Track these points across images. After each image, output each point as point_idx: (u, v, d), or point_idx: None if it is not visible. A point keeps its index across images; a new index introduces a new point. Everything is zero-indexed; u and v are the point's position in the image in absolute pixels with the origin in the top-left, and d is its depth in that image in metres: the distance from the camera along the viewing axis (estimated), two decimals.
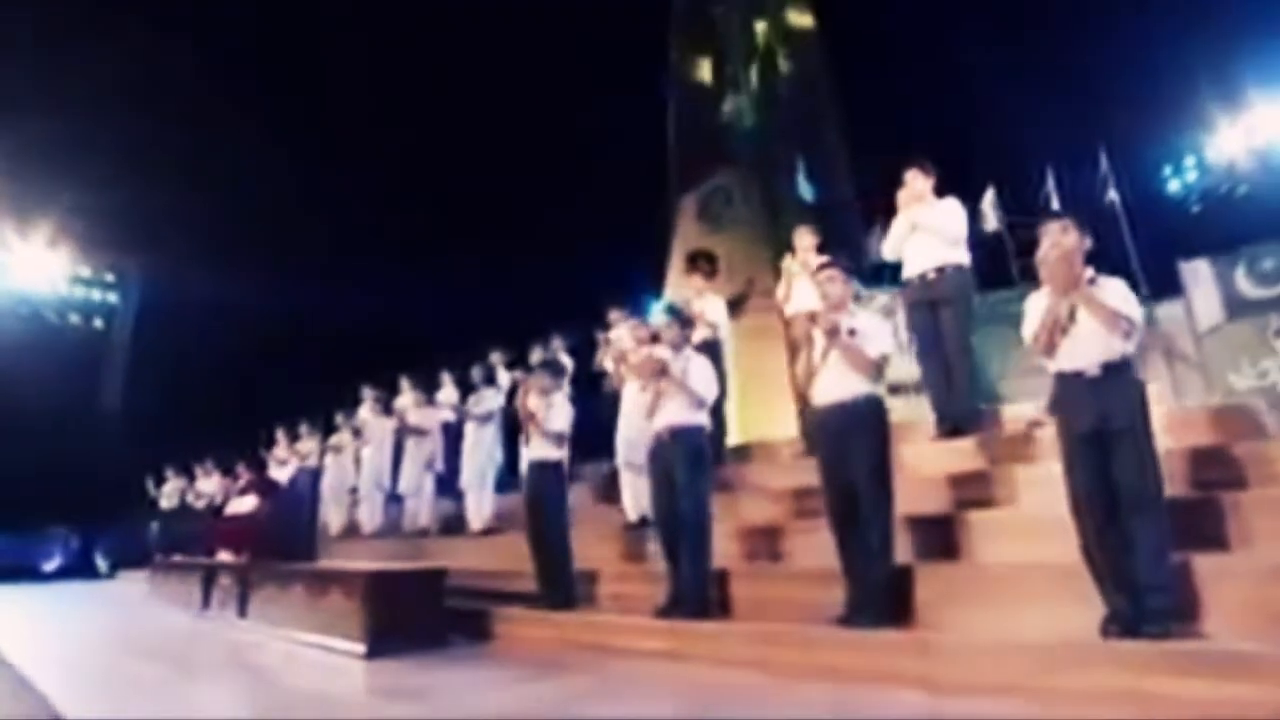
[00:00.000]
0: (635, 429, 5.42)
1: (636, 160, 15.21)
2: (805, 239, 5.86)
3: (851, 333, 3.45)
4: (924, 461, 4.51)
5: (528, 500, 4.74)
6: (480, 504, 6.83)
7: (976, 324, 5.10)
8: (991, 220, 13.03)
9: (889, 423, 3.44)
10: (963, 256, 4.88)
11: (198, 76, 17.76)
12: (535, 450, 4.72)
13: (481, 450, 6.91)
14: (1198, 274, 10.57)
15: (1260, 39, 12.90)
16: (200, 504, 9.52)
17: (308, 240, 17.33)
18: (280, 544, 5.99)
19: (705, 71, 14.33)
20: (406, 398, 8.96)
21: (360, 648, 4.19)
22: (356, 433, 8.23)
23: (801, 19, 14.54)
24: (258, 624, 5.38)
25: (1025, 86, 15.14)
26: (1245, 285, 8.64)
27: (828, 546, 4.07)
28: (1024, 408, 4.85)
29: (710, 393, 4.12)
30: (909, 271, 4.97)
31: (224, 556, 6.20)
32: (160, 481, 10.58)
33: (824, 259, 3.75)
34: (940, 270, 4.82)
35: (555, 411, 4.76)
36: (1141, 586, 2.51)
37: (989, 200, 13.54)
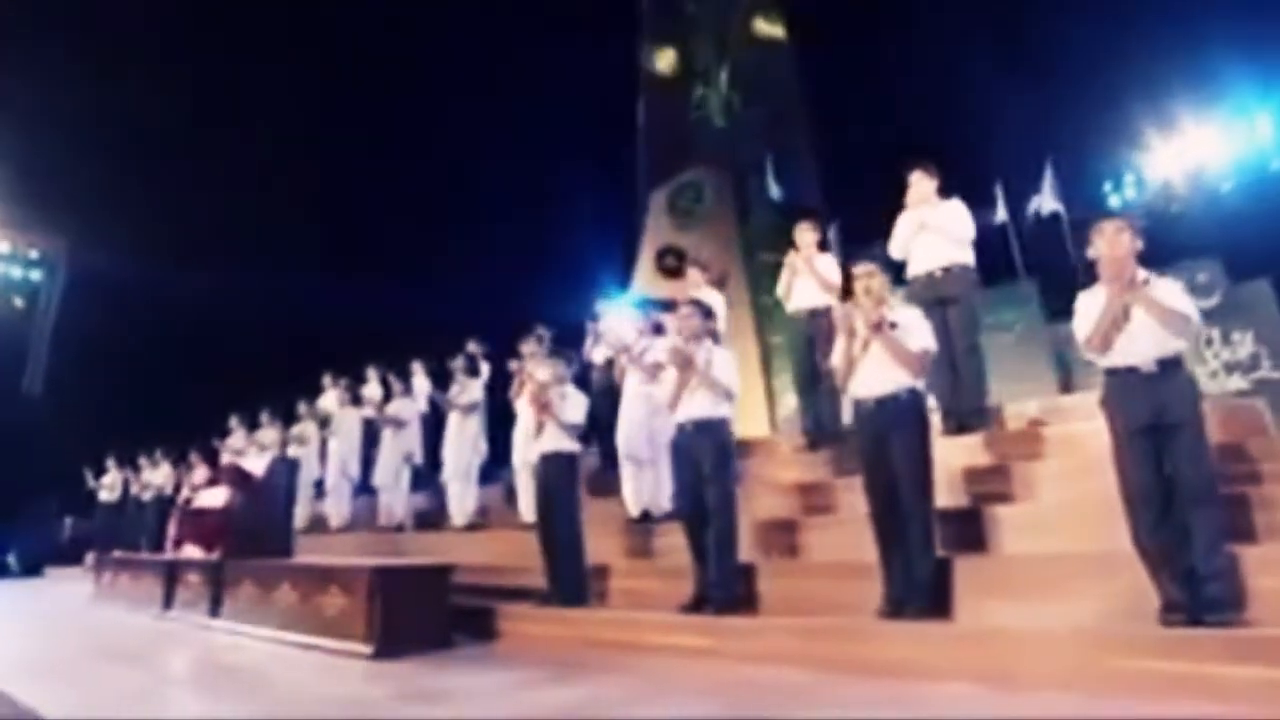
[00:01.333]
0: (637, 423, 5.36)
1: (603, 152, 15.12)
2: (807, 235, 5.87)
3: (893, 326, 3.47)
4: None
5: (539, 493, 4.59)
6: (464, 497, 6.61)
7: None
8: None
9: (929, 417, 3.47)
10: (969, 256, 4.99)
11: (133, 47, 16.59)
12: (548, 442, 4.58)
13: (465, 442, 6.68)
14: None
15: (1190, 66, 13.76)
16: (147, 495, 8.90)
17: (254, 222, 16.44)
18: (255, 539, 5.64)
19: (675, 69, 14.36)
20: (374, 387, 8.65)
21: (365, 648, 3.97)
22: (324, 422, 7.84)
23: (772, 27, 14.69)
24: (235, 624, 5.04)
25: (978, 102, 15.71)
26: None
27: (844, 541, 4.14)
28: (1026, 406, 5.01)
29: (735, 384, 4.07)
30: (915, 270, 5.05)
31: (190, 552, 5.78)
32: (100, 472, 9.82)
33: (866, 262, 3.70)
34: (947, 269, 4.91)
35: (569, 402, 4.63)
36: (1199, 576, 2.59)
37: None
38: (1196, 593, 2.59)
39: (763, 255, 11.86)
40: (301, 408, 8.72)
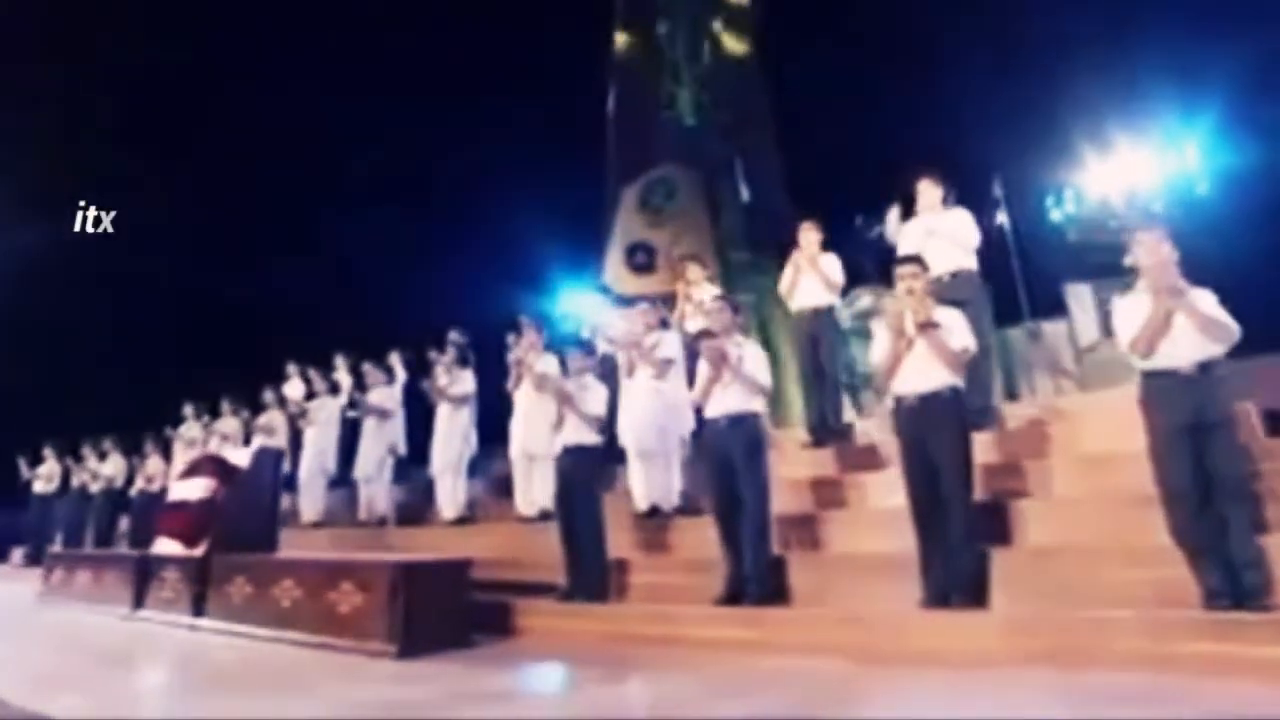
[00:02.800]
0: (648, 418, 5.33)
1: (572, 145, 14.98)
2: (811, 234, 5.99)
3: (935, 326, 3.59)
4: None
5: (559, 486, 4.53)
6: (455, 491, 6.44)
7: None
8: (895, 233, 13.97)
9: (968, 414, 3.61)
10: (974, 262, 5.22)
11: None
12: (570, 434, 4.52)
13: (457, 434, 6.52)
14: (1080, 296, 11.93)
15: (1128, 96, 14.72)
16: (96, 487, 8.30)
17: (206, 207, 15.54)
18: (240, 534, 5.34)
19: (647, 65, 14.36)
20: (342, 374, 8.37)
21: (387, 647, 3.83)
22: (301, 412, 7.49)
23: (740, 33, 14.87)
24: (225, 624, 4.76)
25: (928, 117, 16.35)
26: None
27: (864, 534, 4.27)
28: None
29: (768, 379, 4.13)
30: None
31: (167, 547, 5.43)
32: (36, 461, 9.05)
33: (911, 262, 3.76)
34: (955, 274, 5.12)
35: (591, 394, 4.59)
36: (1237, 565, 2.79)
37: (894, 214, 14.49)
38: (1236, 580, 2.79)
39: (734, 254, 11.98)
40: (268, 396, 8.32)
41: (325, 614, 4.20)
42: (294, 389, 8.84)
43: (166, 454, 8.30)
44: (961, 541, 3.41)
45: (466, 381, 6.66)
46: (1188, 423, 2.94)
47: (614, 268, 13.27)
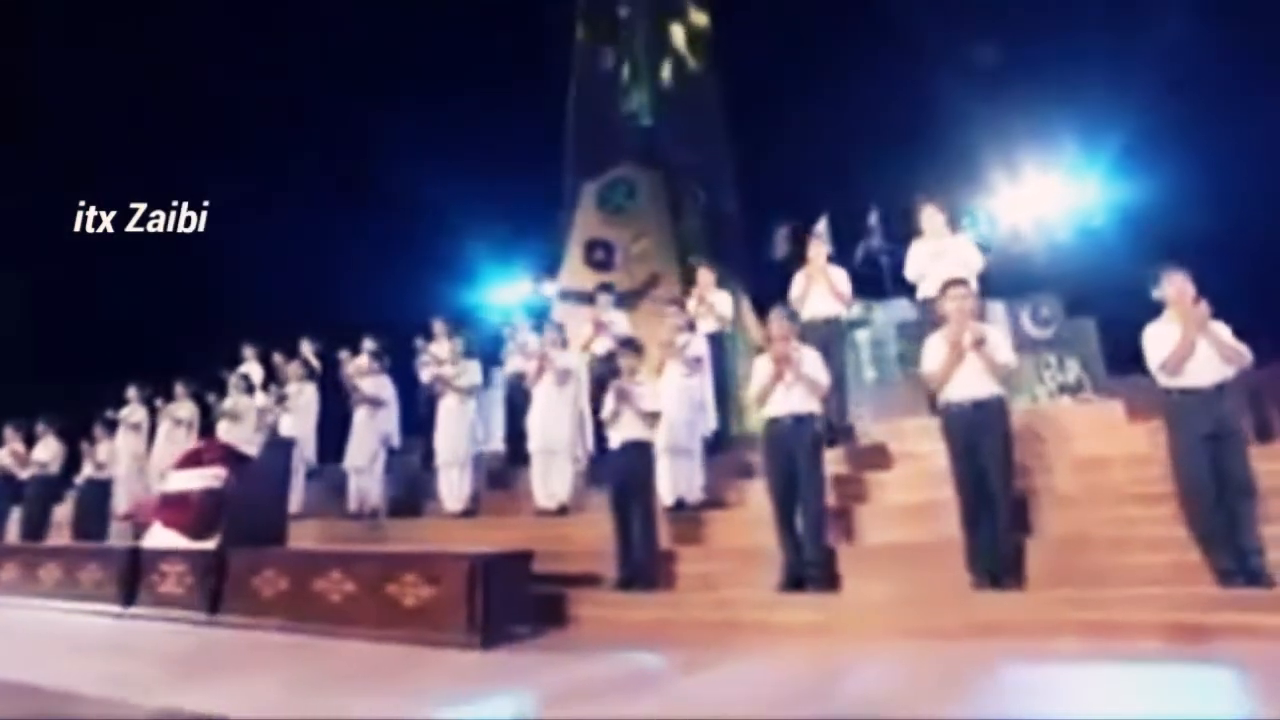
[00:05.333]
0: (681, 415, 5.53)
1: (531, 140, 14.80)
2: (818, 248, 6.43)
3: (982, 342, 4.05)
4: None
5: (616, 480, 4.69)
6: (461, 483, 6.40)
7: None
8: (825, 245, 14.88)
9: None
10: (976, 283, 5.80)
11: None
12: (627, 430, 4.69)
13: (463, 425, 6.48)
14: (994, 313, 13.18)
15: (1039, 132, 16.27)
16: (25, 474, 7.54)
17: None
18: (251, 526, 5.13)
19: (608, 62, 14.40)
20: (309, 354, 8.16)
21: (468, 639, 3.87)
22: (281, 398, 7.14)
23: (696, 42, 15.19)
24: (249, 619, 4.57)
25: (859, 136, 17.38)
26: (1029, 326, 11.03)
27: (893, 526, 4.72)
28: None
29: (826, 381, 4.48)
30: (928, 292, 5.76)
31: (164, 540, 5.10)
32: None
33: (959, 284, 4.19)
34: None
35: (645, 391, 4.77)
36: (1245, 550, 3.40)
37: (821, 227, 15.42)
38: (1244, 563, 3.39)
39: (694, 259, 12.30)
40: (232, 379, 7.88)
41: (387, 607, 4.16)
42: (253, 372, 8.43)
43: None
44: (1006, 528, 3.89)
45: (474, 373, 6.63)
46: (1207, 432, 3.53)
47: (572, 263, 13.30)
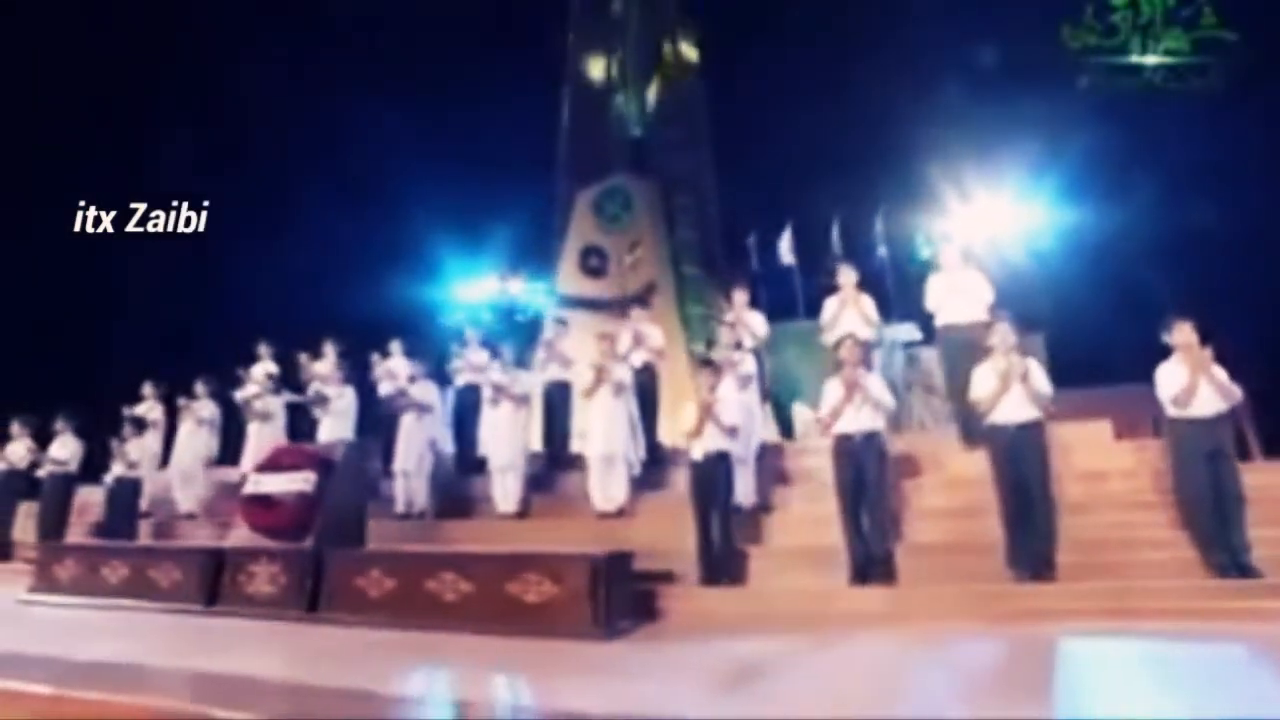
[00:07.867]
0: (742, 427, 6.07)
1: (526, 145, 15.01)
2: (850, 275, 7.10)
3: (1025, 376, 4.81)
4: None
5: (701, 485, 5.22)
6: (514, 485, 6.77)
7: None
8: (787, 256, 15.82)
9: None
10: (986, 314, 6.61)
11: None
12: (710, 441, 5.23)
13: (516, 430, 6.85)
14: (1034, 345, 14.36)
15: (992, 157, 17.53)
16: (43, 471, 7.42)
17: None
18: (337, 528, 5.41)
19: (601, 72, 14.78)
20: (329, 360, 8.30)
21: (597, 632, 4.30)
22: (320, 398, 7.28)
23: (687, 51, 15.78)
24: (351, 616, 4.85)
25: (828, 156, 18.35)
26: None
27: (931, 526, 5.46)
28: None
29: (891, 402, 5.16)
30: (947, 320, 6.53)
31: (247, 539, 5.31)
32: None
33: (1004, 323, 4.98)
34: (973, 326, 6.46)
35: (726, 405, 5.33)
36: (1236, 548, 4.26)
37: (785, 238, 16.36)
38: (1236, 559, 4.26)
39: (687, 269, 12.91)
40: (255, 373, 7.97)
41: (507, 605, 4.56)
42: (271, 370, 8.49)
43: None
44: (1045, 532, 4.66)
45: (525, 381, 7.01)
46: (1207, 452, 4.39)
47: (567, 269, 13.68)
